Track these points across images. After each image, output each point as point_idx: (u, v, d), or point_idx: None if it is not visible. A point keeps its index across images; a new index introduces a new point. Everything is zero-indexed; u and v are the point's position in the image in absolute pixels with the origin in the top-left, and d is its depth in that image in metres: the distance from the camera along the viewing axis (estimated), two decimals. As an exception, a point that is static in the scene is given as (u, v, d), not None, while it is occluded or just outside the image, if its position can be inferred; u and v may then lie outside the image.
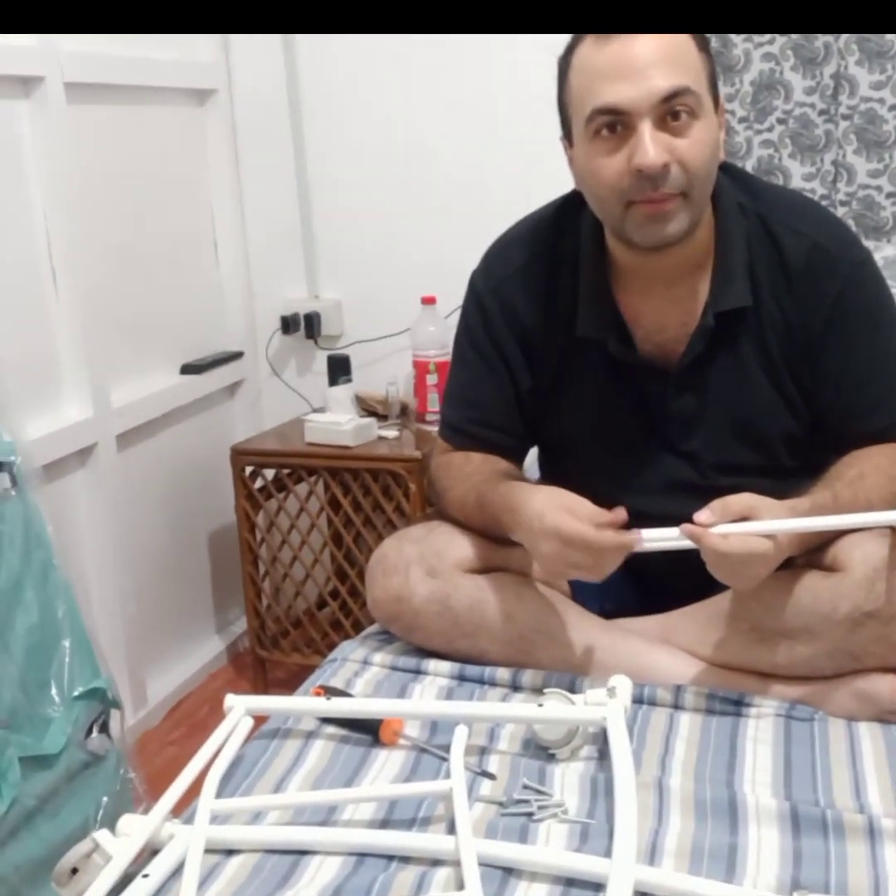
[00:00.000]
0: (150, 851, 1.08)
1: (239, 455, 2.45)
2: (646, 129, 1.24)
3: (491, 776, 1.20)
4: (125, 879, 1.02)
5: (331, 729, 1.31)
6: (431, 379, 2.46)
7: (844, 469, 1.34)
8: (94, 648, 1.79)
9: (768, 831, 1.07)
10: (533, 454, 1.61)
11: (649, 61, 1.24)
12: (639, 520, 1.26)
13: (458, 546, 1.44)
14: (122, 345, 2.36)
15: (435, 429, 1.96)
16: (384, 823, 1.13)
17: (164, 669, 2.54)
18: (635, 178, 1.26)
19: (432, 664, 1.44)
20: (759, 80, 2.25)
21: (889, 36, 2.13)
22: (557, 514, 1.26)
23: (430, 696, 1.38)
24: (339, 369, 2.55)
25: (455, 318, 1.58)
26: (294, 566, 2.53)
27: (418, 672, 1.43)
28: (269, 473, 2.51)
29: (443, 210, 2.56)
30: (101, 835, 1.06)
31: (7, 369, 1.82)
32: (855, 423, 1.39)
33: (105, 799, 1.74)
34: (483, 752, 1.25)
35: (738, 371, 1.40)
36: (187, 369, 2.58)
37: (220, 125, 2.66)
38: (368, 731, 1.28)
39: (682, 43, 1.27)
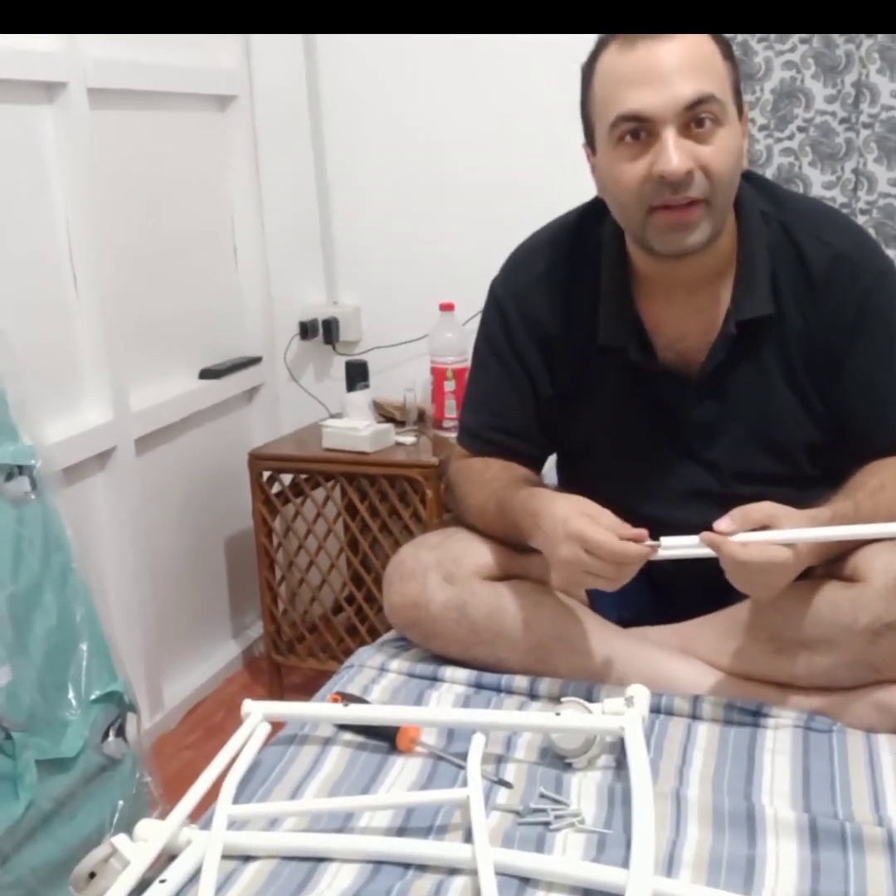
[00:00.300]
0: (167, 856, 1.08)
1: (256, 460, 2.46)
2: (670, 136, 1.24)
3: (508, 785, 1.19)
4: (142, 884, 1.02)
5: (348, 736, 1.31)
6: (449, 385, 2.47)
7: (866, 479, 1.33)
8: (112, 652, 1.80)
9: (787, 843, 1.07)
10: (550, 461, 1.61)
11: (674, 68, 1.23)
12: (658, 527, 1.25)
13: (476, 552, 1.44)
14: (141, 349, 2.37)
15: (452, 435, 1.97)
16: (401, 831, 1.12)
17: (181, 673, 2.54)
18: (657, 184, 1.26)
19: (449, 671, 1.43)
20: (779, 88, 2.24)
21: (911, 44, 2.12)
22: (581, 520, 1.25)
23: (447, 703, 1.38)
24: (356, 375, 2.55)
25: (473, 325, 1.58)
26: (310, 571, 2.53)
27: (435, 679, 1.43)
28: (287, 478, 2.52)
29: (462, 217, 2.56)
30: (119, 839, 1.06)
31: (27, 373, 1.83)
32: (876, 433, 1.38)
33: (121, 802, 1.75)
34: (500, 760, 1.24)
35: (760, 379, 1.39)
36: (206, 374, 2.60)
37: (241, 131, 2.67)
38: (385, 738, 1.28)
39: (706, 50, 1.26)
